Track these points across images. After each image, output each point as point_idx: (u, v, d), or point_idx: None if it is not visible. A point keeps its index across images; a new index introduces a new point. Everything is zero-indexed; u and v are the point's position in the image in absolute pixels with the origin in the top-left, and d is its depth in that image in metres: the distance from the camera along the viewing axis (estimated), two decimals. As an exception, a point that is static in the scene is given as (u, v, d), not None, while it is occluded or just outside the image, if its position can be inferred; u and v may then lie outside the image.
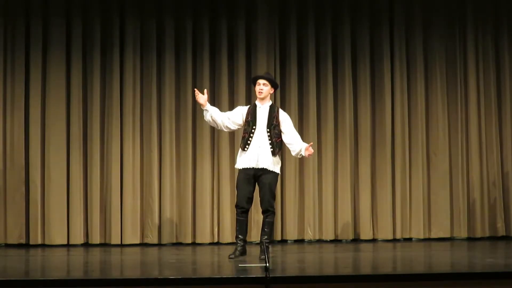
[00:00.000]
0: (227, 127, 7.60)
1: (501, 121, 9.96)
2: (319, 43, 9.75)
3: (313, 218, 9.56)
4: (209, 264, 7.57)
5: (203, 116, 7.63)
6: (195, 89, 7.69)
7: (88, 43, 9.38)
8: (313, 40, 9.70)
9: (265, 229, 7.47)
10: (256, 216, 9.03)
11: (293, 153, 7.64)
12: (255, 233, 9.05)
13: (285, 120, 7.59)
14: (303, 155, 7.51)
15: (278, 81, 9.65)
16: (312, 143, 7.66)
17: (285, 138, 7.58)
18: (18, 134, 9.23)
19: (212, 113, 7.52)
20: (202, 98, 7.49)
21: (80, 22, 9.35)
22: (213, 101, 9.51)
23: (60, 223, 9.18)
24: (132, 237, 9.27)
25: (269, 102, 7.60)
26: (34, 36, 9.28)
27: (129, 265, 7.57)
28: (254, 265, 6.92)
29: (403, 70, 9.85)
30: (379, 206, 9.70)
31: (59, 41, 9.30)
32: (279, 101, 9.62)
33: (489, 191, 9.84)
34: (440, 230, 9.75)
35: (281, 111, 7.65)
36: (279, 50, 9.69)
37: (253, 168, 7.45)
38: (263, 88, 7.53)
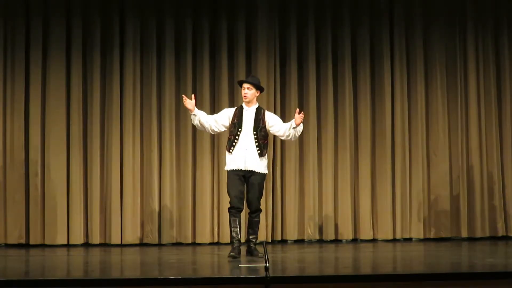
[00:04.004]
0: (213, 130, 7.71)
1: (501, 121, 9.96)
2: (319, 43, 9.75)
3: (313, 218, 9.56)
4: (209, 264, 7.57)
5: (191, 120, 7.68)
6: (183, 95, 7.76)
7: (88, 43, 9.38)
8: (313, 40, 9.71)
9: (255, 229, 7.71)
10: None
11: (287, 134, 7.67)
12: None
13: (272, 117, 7.73)
14: (295, 126, 7.57)
15: (278, 81, 9.67)
16: (298, 109, 7.68)
17: (273, 130, 7.69)
18: (18, 134, 9.23)
19: (200, 117, 7.63)
20: (190, 103, 7.58)
21: (80, 22, 9.35)
22: (213, 101, 9.52)
23: (60, 223, 9.18)
24: (132, 237, 9.27)
25: (255, 105, 7.71)
26: (34, 36, 9.28)
27: (129, 265, 7.57)
28: (254, 265, 6.92)
29: (403, 70, 9.85)
30: (379, 206, 9.71)
31: (59, 41, 9.30)
32: (279, 101, 9.63)
33: (489, 191, 9.84)
34: (440, 230, 9.76)
35: (267, 113, 7.77)
36: (279, 50, 9.69)
37: (241, 170, 7.57)
38: (247, 92, 7.66)
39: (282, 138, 7.87)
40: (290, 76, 9.67)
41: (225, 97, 9.48)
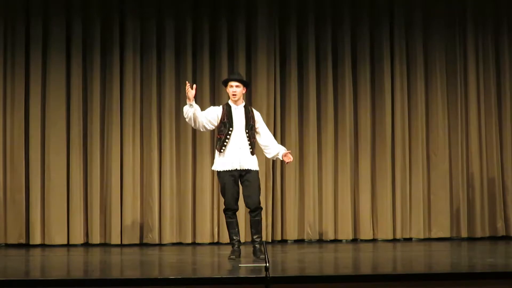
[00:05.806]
0: (204, 126, 7.51)
1: (501, 121, 9.96)
2: (319, 43, 9.75)
3: (313, 218, 9.56)
4: (209, 264, 7.56)
5: (183, 113, 7.46)
6: (187, 82, 7.56)
7: (88, 43, 9.38)
8: (313, 40, 9.71)
9: (258, 228, 7.52)
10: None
11: (269, 156, 7.70)
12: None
13: (260, 121, 7.63)
14: (281, 159, 7.59)
15: (278, 81, 9.66)
16: (290, 151, 7.66)
17: (260, 140, 7.62)
18: (18, 134, 9.23)
19: (196, 110, 7.40)
20: (192, 92, 7.34)
21: (80, 22, 9.35)
22: (212, 101, 9.52)
23: (60, 223, 9.18)
24: (132, 237, 9.27)
25: (243, 103, 7.60)
26: (34, 36, 9.28)
27: (129, 265, 7.56)
28: (254, 265, 6.92)
29: (403, 70, 9.86)
30: (379, 206, 9.71)
31: (59, 41, 9.30)
32: (279, 101, 9.62)
33: (489, 191, 9.84)
34: (440, 230, 9.76)
35: (255, 111, 7.66)
36: (279, 50, 9.69)
37: (237, 169, 7.44)
38: (236, 90, 7.51)
39: (260, 144, 7.67)
40: (290, 76, 9.67)
41: (225, 97, 9.46)
